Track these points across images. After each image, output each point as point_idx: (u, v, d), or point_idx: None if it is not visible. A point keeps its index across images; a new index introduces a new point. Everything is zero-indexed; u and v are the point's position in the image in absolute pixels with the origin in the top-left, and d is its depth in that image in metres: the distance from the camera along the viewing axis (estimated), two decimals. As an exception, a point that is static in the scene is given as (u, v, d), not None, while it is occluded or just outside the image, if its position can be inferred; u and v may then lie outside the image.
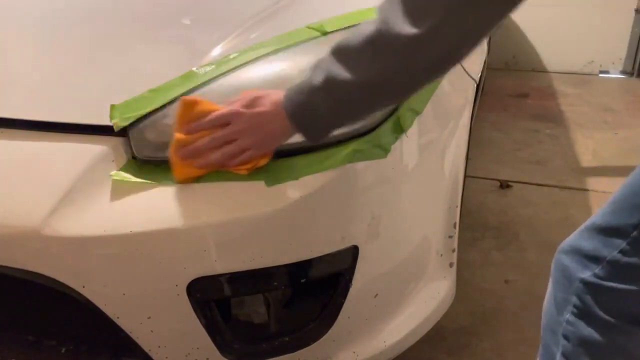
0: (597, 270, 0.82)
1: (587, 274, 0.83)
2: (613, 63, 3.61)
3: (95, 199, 0.85)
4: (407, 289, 1.07)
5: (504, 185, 2.19)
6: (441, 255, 1.13)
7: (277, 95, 0.79)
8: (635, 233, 0.78)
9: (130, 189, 0.86)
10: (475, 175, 2.27)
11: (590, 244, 0.84)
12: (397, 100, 0.83)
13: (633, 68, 3.58)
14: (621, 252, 0.80)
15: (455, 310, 1.28)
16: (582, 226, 0.87)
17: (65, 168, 0.87)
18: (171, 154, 0.85)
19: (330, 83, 0.72)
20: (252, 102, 0.81)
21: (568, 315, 0.86)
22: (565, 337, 0.87)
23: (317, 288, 0.97)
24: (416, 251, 1.07)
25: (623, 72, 3.62)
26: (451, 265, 1.16)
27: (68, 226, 0.83)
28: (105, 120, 0.89)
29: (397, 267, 1.03)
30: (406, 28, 0.64)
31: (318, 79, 0.73)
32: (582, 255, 0.84)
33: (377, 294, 1.00)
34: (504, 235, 1.85)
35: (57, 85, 1.00)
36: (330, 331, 0.98)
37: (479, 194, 2.13)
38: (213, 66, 0.93)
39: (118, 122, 0.88)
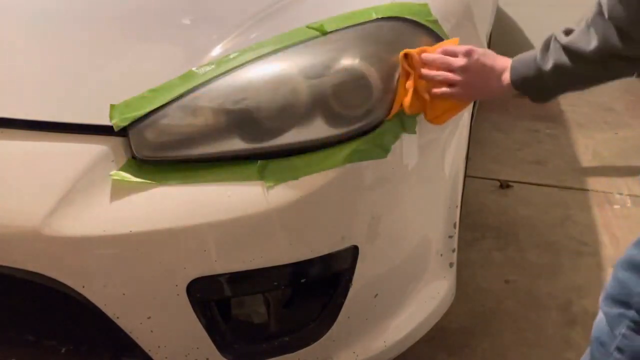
0: None
1: None
2: (613, 63, 3.60)
3: (95, 199, 0.85)
4: (407, 289, 1.07)
5: (504, 185, 2.19)
6: (441, 255, 1.13)
7: (503, 62, 0.92)
8: None
9: (130, 189, 0.86)
10: (475, 175, 2.26)
11: None
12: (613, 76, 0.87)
13: (633, 68, 3.57)
14: None
15: (455, 310, 1.28)
16: (638, 238, 0.87)
17: (65, 168, 0.87)
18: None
19: (559, 70, 0.82)
20: (488, 55, 0.93)
21: (624, 330, 0.85)
22: (620, 350, 0.87)
23: (317, 288, 0.97)
24: (416, 251, 1.07)
25: (623, 72, 3.61)
26: (451, 265, 1.15)
27: (68, 226, 0.83)
28: (105, 120, 0.89)
29: (397, 267, 1.03)
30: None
31: (548, 65, 0.84)
32: (638, 270, 0.83)
33: (377, 294, 1.00)
34: (504, 235, 1.85)
35: (57, 85, 1.00)
36: (330, 331, 0.98)
37: (479, 194, 2.13)
38: (213, 66, 0.93)
39: (118, 122, 0.88)
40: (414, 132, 0.95)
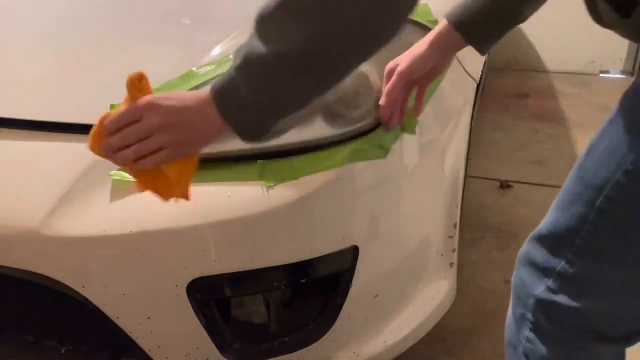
0: (550, 283, 0.77)
1: (541, 289, 0.78)
2: (613, 63, 3.60)
3: (95, 199, 0.85)
4: (407, 289, 1.07)
5: (504, 185, 2.19)
6: (441, 255, 1.13)
7: (196, 93, 0.67)
8: (578, 241, 0.74)
9: (130, 189, 0.86)
10: (475, 175, 2.26)
11: (540, 254, 0.79)
12: (325, 82, 0.66)
13: (633, 68, 3.58)
14: (568, 262, 0.75)
15: (455, 310, 1.28)
16: (533, 233, 0.83)
17: (65, 168, 0.87)
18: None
19: (248, 61, 0.61)
20: (173, 96, 0.67)
21: (527, 332, 0.82)
22: (525, 355, 0.84)
23: (317, 288, 0.97)
24: (416, 251, 1.07)
25: (623, 72, 3.62)
26: (451, 265, 1.15)
27: (68, 226, 0.83)
28: (105, 120, 0.89)
29: (397, 267, 1.03)
30: None
31: (238, 59, 0.62)
32: (535, 268, 0.80)
33: (377, 294, 1.00)
34: (504, 235, 1.85)
35: (57, 85, 1.00)
36: (330, 331, 0.98)
37: (479, 194, 2.13)
38: (213, 66, 0.93)
39: (118, 122, 0.88)
40: (414, 133, 0.95)
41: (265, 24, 0.61)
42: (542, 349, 0.81)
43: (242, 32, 1.03)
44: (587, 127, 2.77)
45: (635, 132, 0.67)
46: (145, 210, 0.84)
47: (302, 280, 0.92)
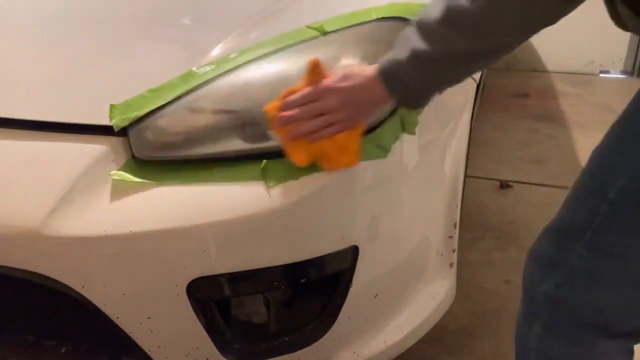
0: (558, 278, 0.78)
1: (549, 285, 0.79)
2: (613, 63, 3.60)
3: (95, 199, 0.85)
4: (407, 289, 1.07)
5: (504, 185, 2.19)
6: (441, 255, 1.13)
7: (370, 68, 0.78)
8: (589, 235, 0.74)
9: (130, 188, 0.86)
10: (475, 175, 2.26)
11: (549, 250, 0.80)
12: (485, 65, 0.81)
13: (633, 68, 3.58)
14: (578, 256, 0.76)
15: (455, 310, 1.28)
16: (543, 229, 0.84)
17: (65, 168, 0.87)
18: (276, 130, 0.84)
19: (415, 55, 0.72)
20: (344, 78, 0.79)
21: (537, 329, 0.83)
22: (535, 350, 0.84)
23: (317, 288, 0.97)
24: (416, 251, 1.07)
25: (623, 72, 3.62)
26: (451, 265, 1.15)
27: (68, 226, 0.83)
28: (105, 120, 0.89)
29: (397, 267, 1.03)
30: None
31: (403, 54, 0.73)
32: (541, 264, 0.81)
33: (377, 294, 1.00)
34: (504, 235, 1.85)
35: (57, 85, 1.00)
36: (330, 331, 0.98)
37: (479, 194, 2.13)
38: (213, 66, 0.93)
39: (118, 122, 0.88)
40: (414, 134, 0.95)
41: (427, 29, 0.71)
42: (551, 344, 0.81)
43: (242, 32, 1.03)
44: (587, 127, 2.77)
45: None
46: (145, 210, 0.84)
47: (302, 280, 0.92)
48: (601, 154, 0.76)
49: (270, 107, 0.83)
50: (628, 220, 0.71)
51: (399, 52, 0.74)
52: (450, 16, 0.68)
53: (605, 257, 0.74)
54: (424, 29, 0.71)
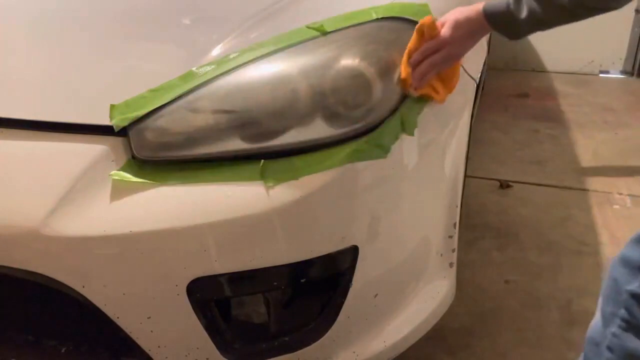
0: None
1: (636, 285, 0.82)
2: (613, 63, 3.61)
3: (95, 199, 0.85)
4: (407, 289, 1.07)
5: (504, 185, 2.19)
6: (441, 255, 1.13)
7: (476, 12, 0.95)
8: None
9: (130, 189, 0.86)
10: (475, 175, 2.27)
11: (637, 254, 0.83)
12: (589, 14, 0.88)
13: (633, 68, 3.58)
14: None
15: (455, 310, 1.28)
16: (632, 236, 0.86)
17: (65, 168, 0.87)
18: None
19: (533, 17, 0.88)
20: (455, 27, 0.96)
21: (614, 329, 0.85)
22: (610, 349, 0.86)
23: (317, 288, 0.97)
24: (416, 251, 1.07)
25: (623, 72, 3.62)
26: (451, 265, 1.15)
27: (68, 226, 0.83)
28: (105, 120, 0.89)
29: (397, 267, 1.03)
30: None
31: (522, 13, 0.89)
32: (631, 267, 0.83)
33: (377, 294, 1.00)
34: (504, 235, 1.85)
35: (57, 85, 1.00)
36: (330, 331, 0.98)
37: (479, 194, 2.13)
38: (213, 66, 0.93)
39: (118, 122, 0.88)
40: (412, 134, 0.95)
41: None
42: (630, 342, 0.83)
43: (242, 32, 1.03)
44: (587, 127, 2.77)
45: None
46: (145, 211, 0.84)
47: (302, 280, 0.92)
48: None
49: (404, 74, 0.96)
50: None
51: (512, 6, 0.89)
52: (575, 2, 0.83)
53: None
54: (549, 2, 0.85)
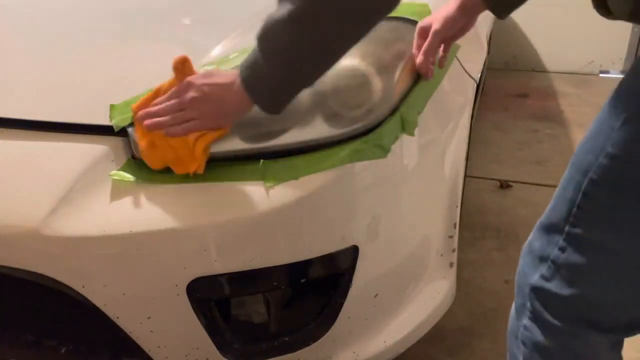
0: (544, 271, 0.78)
1: (536, 277, 0.80)
2: (613, 63, 3.61)
3: (95, 199, 0.85)
4: (407, 289, 1.07)
5: (504, 185, 2.19)
6: (441, 255, 1.13)
7: (233, 71, 0.80)
8: (567, 227, 0.74)
9: (130, 189, 0.86)
10: (475, 175, 2.27)
11: (538, 243, 0.81)
12: (337, 54, 0.76)
13: (633, 68, 3.58)
14: (560, 249, 0.76)
15: (455, 310, 1.28)
16: (537, 222, 0.85)
17: (65, 168, 0.87)
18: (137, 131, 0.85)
19: (265, 34, 0.75)
20: (209, 74, 0.81)
21: (525, 321, 0.83)
22: (523, 342, 0.84)
23: (317, 288, 0.97)
24: (416, 251, 1.07)
25: (623, 72, 3.61)
26: (451, 265, 1.15)
27: (68, 226, 0.83)
28: (105, 120, 0.89)
29: (397, 267, 1.03)
30: None
31: (260, 46, 0.75)
32: (533, 256, 0.81)
33: (377, 294, 1.00)
34: (504, 235, 1.85)
35: (57, 85, 1.00)
36: (330, 331, 0.98)
37: (479, 194, 2.13)
38: (213, 66, 0.93)
39: (118, 122, 0.88)
40: (412, 134, 0.95)
41: (267, 36, 0.74)
42: (538, 336, 0.82)
43: (242, 32, 1.03)
44: (587, 127, 2.76)
45: (616, 118, 0.69)
46: (145, 210, 0.84)
47: (302, 280, 0.92)
48: (579, 146, 0.77)
49: (136, 105, 0.84)
50: (603, 209, 0.71)
51: (257, 47, 0.76)
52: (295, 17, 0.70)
53: (584, 250, 0.74)
54: (271, 28, 0.74)
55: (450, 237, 1.14)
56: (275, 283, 0.92)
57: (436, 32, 0.97)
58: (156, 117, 0.82)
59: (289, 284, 0.93)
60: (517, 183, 2.20)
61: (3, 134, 0.93)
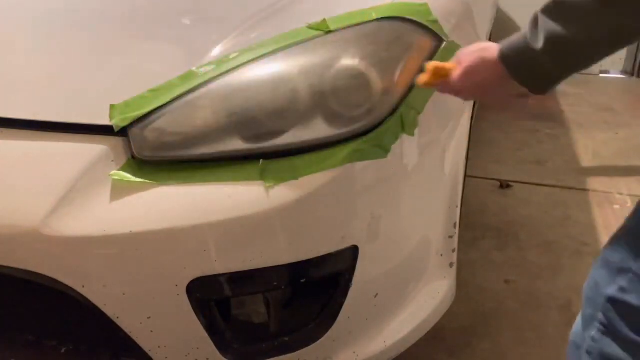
0: (624, 283, 0.78)
1: (613, 289, 0.79)
2: (613, 63, 3.61)
3: (95, 199, 0.85)
4: (407, 289, 1.07)
5: (504, 185, 2.19)
6: (441, 255, 1.13)
7: (493, 56, 0.76)
8: None
9: (130, 189, 0.86)
10: (475, 175, 2.26)
11: (617, 255, 0.80)
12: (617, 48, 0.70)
13: (633, 68, 3.58)
14: None
15: (455, 310, 1.28)
16: (613, 235, 0.83)
17: (65, 168, 0.87)
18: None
19: (555, 45, 0.67)
20: (467, 74, 0.79)
21: (594, 332, 0.83)
22: (589, 353, 0.84)
23: (317, 288, 0.97)
24: (416, 251, 1.07)
25: (623, 72, 3.62)
26: (451, 265, 1.15)
27: (68, 226, 0.83)
28: (105, 120, 0.89)
29: (397, 267, 1.03)
30: None
31: (539, 43, 0.68)
32: (610, 268, 0.81)
33: (377, 294, 1.00)
34: (504, 235, 1.85)
35: (57, 85, 1.00)
36: (330, 331, 0.98)
37: (479, 194, 2.13)
38: (213, 66, 0.93)
39: (118, 122, 0.88)
40: (412, 134, 0.95)
41: (570, 8, 0.65)
42: (608, 347, 0.81)
43: (242, 32, 1.03)
44: (587, 127, 2.77)
45: None
46: (145, 211, 0.84)
47: (302, 280, 0.92)
48: None
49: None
50: None
51: (531, 42, 0.70)
52: None
53: None
54: (564, 11, 0.66)
55: (450, 237, 1.14)
56: (275, 283, 0.91)
57: None
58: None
59: (289, 284, 0.93)
60: (517, 183, 2.20)
61: (3, 134, 0.93)
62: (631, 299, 0.77)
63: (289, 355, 0.98)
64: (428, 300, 1.10)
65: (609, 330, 0.81)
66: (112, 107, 0.89)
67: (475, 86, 0.80)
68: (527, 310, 1.53)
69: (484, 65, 0.77)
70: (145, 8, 1.21)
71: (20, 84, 1.02)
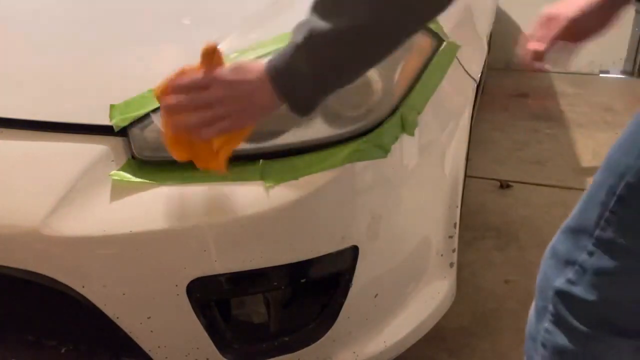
0: (571, 275, 0.78)
1: (561, 281, 0.79)
2: (613, 63, 3.60)
3: (95, 199, 0.85)
4: (407, 289, 1.07)
5: (504, 185, 2.19)
6: (441, 255, 1.13)
7: (262, 63, 0.72)
8: (597, 231, 0.74)
9: (130, 189, 0.86)
10: (475, 175, 2.26)
11: (564, 246, 0.80)
12: (385, 52, 0.68)
13: (633, 68, 3.58)
14: (588, 253, 0.75)
15: (455, 310, 1.28)
16: (562, 225, 0.84)
17: (65, 168, 0.87)
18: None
19: (311, 39, 0.65)
20: (238, 70, 0.73)
21: (546, 324, 0.83)
22: (543, 345, 0.84)
23: (317, 288, 0.97)
24: (416, 251, 1.07)
25: (623, 72, 3.62)
26: (451, 265, 1.15)
27: (68, 226, 0.83)
28: (105, 120, 0.89)
29: (397, 267, 1.03)
30: None
31: (299, 37, 0.66)
32: (557, 259, 0.81)
33: (377, 294, 1.00)
34: (504, 235, 1.85)
35: (57, 85, 1.00)
36: (330, 331, 0.98)
37: (479, 194, 2.13)
38: (213, 66, 0.93)
39: (118, 122, 0.88)
40: (412, 134, 0.95)
41: (328, 3, 0.65)
42: (560, 339, 0.81)
43: (242, 32, 1.03)
44: (587, 127, 2.77)
45: None
46: (145, 210, 0.84)
47: (302, 280, 0.92)
48: (612, 150, 0.75)
49: (158, 88, 0.77)
50: (636, 217, 0.70)
51: (294, 39, 0.67)
52: None
53: (614, 255, 0.74)
54: (323, 6, 0.65)
55: (450, 237, 1.14)
56: (275, 283, 0.92)
57: (572, 20, 0.88)
58: (181, 109, 0.74)
59: (289, 284, 0.93)
60: (517, 183, 2.20)
61: (3, 134, 0.93)
62: (578, 291, 0.77)
63: (289, 355, 0.98)
64: (428, 300, 1.10)
65: (559, 322, 0.81)
66: (112, 107, 0.89)
67: (241, 105, 0.73)
68: (527, 310, 1.52)
69: (248, 82, 0.72)
70: (145, 8, 1.21)
71: (20, 84, 1.02)
